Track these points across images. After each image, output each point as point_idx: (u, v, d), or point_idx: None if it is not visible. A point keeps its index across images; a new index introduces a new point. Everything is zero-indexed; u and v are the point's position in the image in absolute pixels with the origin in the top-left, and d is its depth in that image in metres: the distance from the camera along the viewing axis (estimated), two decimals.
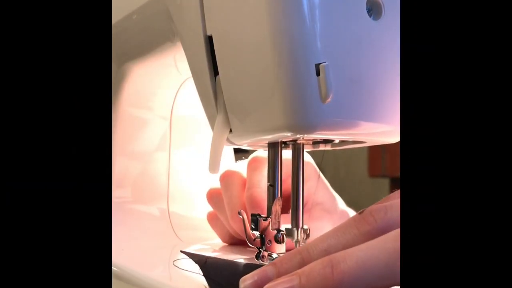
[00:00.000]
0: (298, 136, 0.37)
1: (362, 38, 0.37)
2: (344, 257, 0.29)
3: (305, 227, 0.43)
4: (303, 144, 0.43)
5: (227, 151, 0.64)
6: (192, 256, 0.40)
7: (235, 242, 0.55)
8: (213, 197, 0.55)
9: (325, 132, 0.37)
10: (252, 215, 0.42)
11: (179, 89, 0.59)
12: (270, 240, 0.42)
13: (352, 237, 0.32)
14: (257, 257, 0.42)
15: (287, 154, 0.44)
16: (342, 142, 0.43)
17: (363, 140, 0.42)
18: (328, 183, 0.56)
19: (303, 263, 0.32)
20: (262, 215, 0.42)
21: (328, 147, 0.45)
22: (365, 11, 0.37)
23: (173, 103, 0.60)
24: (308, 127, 0.35)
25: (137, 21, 0.50)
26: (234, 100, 0.39)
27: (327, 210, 0.53)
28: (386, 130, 0.39)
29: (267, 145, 0.43)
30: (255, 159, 0.52)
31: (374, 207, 0.33)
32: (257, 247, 0.42)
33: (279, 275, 0.32)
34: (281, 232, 0.42)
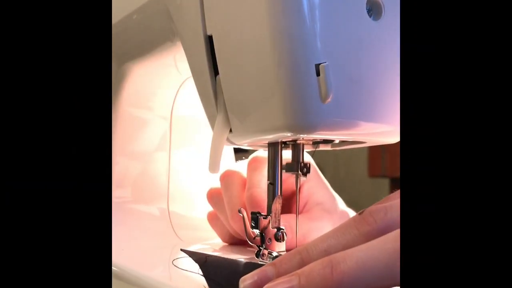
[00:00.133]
0: (298, 136, 0.37)
1: (362, 38, 0.37)
2: (344, 258, 0.29)
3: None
4: (303, 144, 0.43)
5: (227, 151, 0.64)
6: (192, 254, 0.40)
7: (235, 241, 0.55)
8: (213, 197, 0.55)
9: (325, 132, 0.37)
10: (252, 213, 0.43)
11: (179, 89, 0.59)
12: (270, 238, 0.42)
13: (352, 237, 0.32)
14: (257, 255, 0.42)
15: (287, 154, 0.44)
16: (342, 142, 0.43)
17: (363, 140, 0.42)
18: (328, 183, 0.56)
19: (302, 263, 0.32)
20: (262, 214, 0.42)
21: (328, 147, 0.45)
22: (365, 11, 0.37)
23: (173, 103, 0.60)
24: (308, 127, 0.35)
25: (137, 21, 0.50)
26: (234, 100, 0.39)
27: (327, 210, 0.53)
28: (386, 130, 0.39)
29: (267, 145, 0.43)
30: (255, 159, 0.52)
31: (374, 207, 0.33)
32: (257, 245, 0.42)
33: (278, 275, 0.32)
34: (281, 230, 0.42)
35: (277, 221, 0.42)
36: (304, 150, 0.44)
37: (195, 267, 0.39)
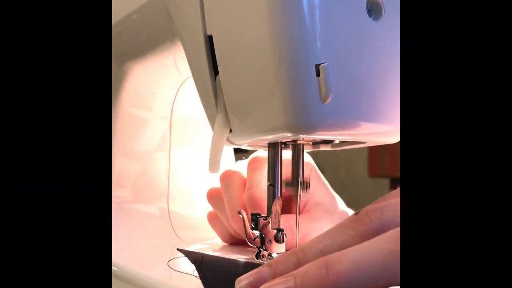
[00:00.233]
0: (298, 136, 0.37)
1: (362, 38, 0.36)
2: (340, 258, 0.29)
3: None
4: (303, 144, 0.43)
5: (227, 151, 0.64)
6: (188, 254, 0.39)
7: (235, 241, 0.55)
8: (213, 196, 0.55)
9: (325, 133, 0.36)
10: (252, 214, 0.42)
11: (179, 89, 0.60)
12: (270, 240, 0.42)
13: (348, 237, 0.32)
14: (257, 256, 0.42)
15: (287, 154, 0.44)
16: (342, 143, 0.43)
17: (363, 140, 0.42)
18: (328, 183, 0.56)
19: (298, 264, 0.32)
20: (262, 215, 0.42)
21: (328, 147, 0.45)
22: (365, 11, 0.37)
23: (173, 103, 0.60)
24: (308, 127, 0.35)
25: (137, 21, 0.50)
26: (234, 100, 0.39)
27: (327, 210, 0.53)
28: (386, 130, 0.39)
29: (267, 145, 0.43)
30: (255, 159, 0.52)
31: (370, 207, 0.33)
32: (257, 247, 0.42)
33: (274, 276, 0.32)
34: (281, 231, 0.42)
35: (277, 222, 0.42)
36: (304, 150, 0.44)
37: (192, 268, 0.39)
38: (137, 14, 0.49)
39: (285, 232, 0.42)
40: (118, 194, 0.58)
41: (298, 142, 0.42)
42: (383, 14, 0.37)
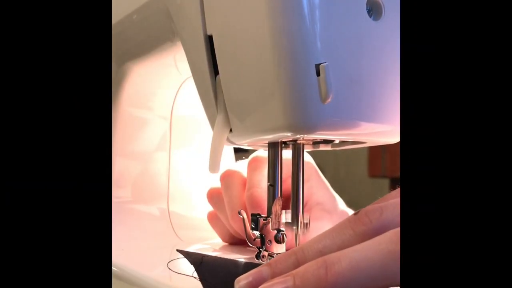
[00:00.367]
0: (298, 136, 0.37)
1: (362, 38, 0.37)
2: (339, 258, 0.29)
3: (305, 220, 0.43)
4: (303, 144, 0.43)
5: (227, 151, 0.64)
6: (187, 255, 0.39)
7: (235, 241, 0.55)
8: (213, 196, 0.55)
9: (325, 132, 0.36)
10: (252, 214, 0.42)
11: (179, 89, 0.60)
12: (270, 240, 0.42)
13: (347, 237, 0.32)
14: (257, 256, 0.42)
15: (287, 154, 0.44)
16: (342, 142, 0.43)
17: (363, 140, 0.42)
18: (328, 183, 0.56)
19: (298, 264, 0.32)
20: (262, 215, 0.42)
21: (328, 147, 0.45)
22: (365, 11, 0.37)
23: (173, 103, 0.60)
24: (308, 127, 0.35)
25: (137, 21, 0.50)
26: (234, 100, 0.39)
27: (327, 210, 0.53)
28: (386, 130, 0.39)
29: (267, 145, 0.43)
30: (255, 159, 0.52)
31: (369, 207, 0.33)
32: (257, 247, 0.42)
33: (274, 275, 0.32)
34: (281, 232, 0.42)
35: (277, 222, 0.42)
36: (304, 150, 0.44)
37: (191, 269, 0.38)
38: (137, 14, 0.49)
39: (285, 232, 0.42)
40: (118, 194, 0.58)
41: (298, 142, 0.42)
42: (383, 14, 0.37)
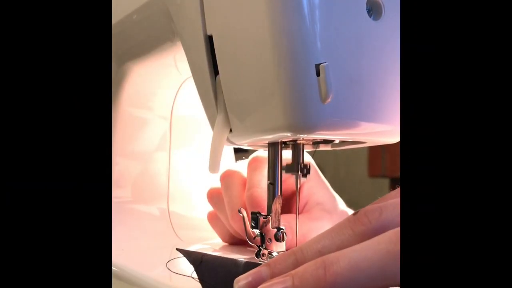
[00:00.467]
0: (298, 136, 0.37)
1: (362, 38, 0.37)
2: (337, 258, 0.29)
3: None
4: (303, 144, 0.43)
5: (227, 151, 0.64)
6: (187, 254, 0.39)
7: (235, 241, 0.55)
8: (213, 196, 0.55)
9: (325, 132, 0.37)
10: (252, 213, 0.43)
11: (179, 89, 0.60)
12: (270, 239, 0.42)
13: (347, 237, 0.32)
14: (257, 255, 0.42)
15: (287, 154, 0.44)
16: (342, 142, 0.43)
17: (363, 140, 0.42)
18: (328, 183, 0.56)
19: (297, 264, 0.32)
20: (262, 214, 0.42)
21: (328, 147, 0.45)
22: (365, 11, 0.37)
23: (173, 103, 0.60)
24: (308, 127, 0.35)
25: (137, 21, 0.50)
26: (234, 100, 0.39)
27: (327, 210, 0.53)
28: (386, 130, 0.39)
29: (267, 145, 0.43)
30: (255, 159, 0.52)
31: (369, 207, 0.33)
32: (257, 245, 0.42)
33: (273, 275, 0.32)
34: (281, 230, 0.42)
35: (277, 221, 0.42)
36: (304, 150, 0.44)
37: (191, 269, 0.38)
38: (137, 14, 0.49)
39: (285, 231, 0.42)
40: (118, 194, 0.58)
41: (298, 142, 0.42)
42: (383, 14, 0.37)
